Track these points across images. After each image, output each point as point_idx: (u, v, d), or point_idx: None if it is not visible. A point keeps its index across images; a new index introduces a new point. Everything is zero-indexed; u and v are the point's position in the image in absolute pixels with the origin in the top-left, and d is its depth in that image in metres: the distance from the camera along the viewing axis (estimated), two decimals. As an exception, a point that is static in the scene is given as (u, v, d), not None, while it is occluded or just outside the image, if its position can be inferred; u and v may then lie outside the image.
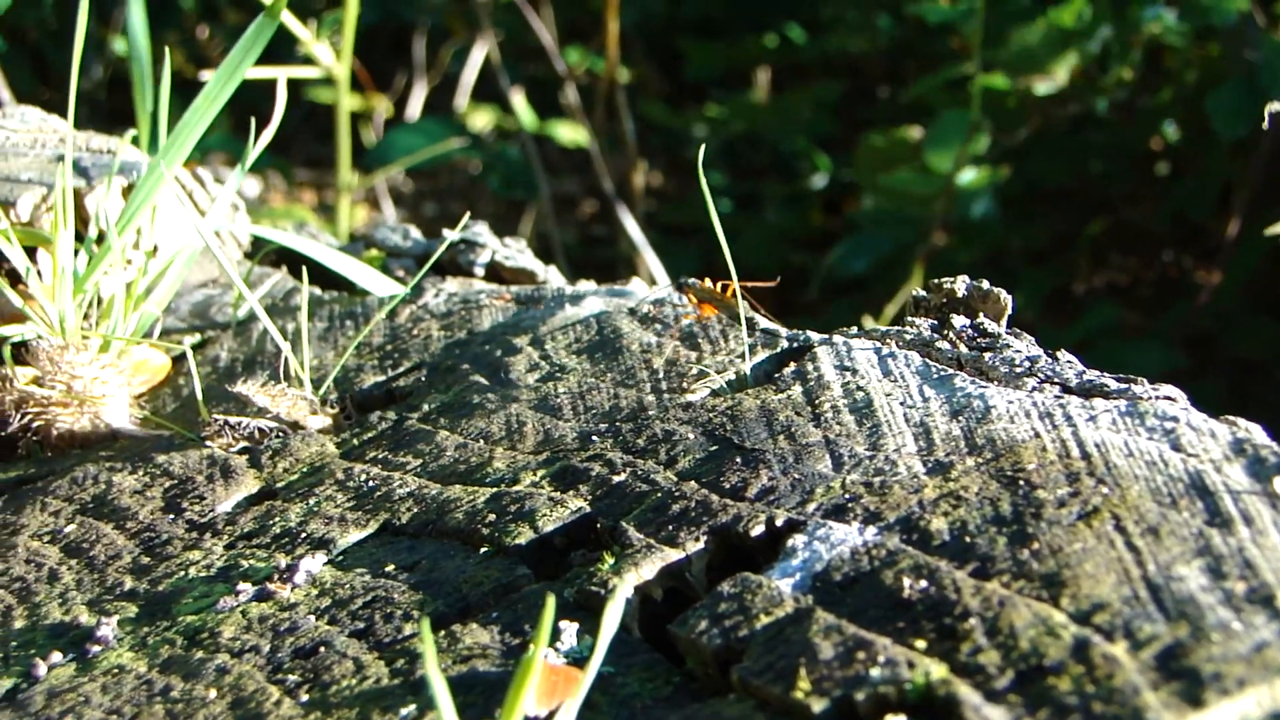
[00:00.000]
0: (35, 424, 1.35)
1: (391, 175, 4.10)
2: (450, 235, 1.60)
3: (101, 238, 1.44)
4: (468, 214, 1.53)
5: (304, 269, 1.47)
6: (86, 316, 1.42)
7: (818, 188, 4.42)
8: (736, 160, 4.57)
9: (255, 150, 1.43)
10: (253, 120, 1.43)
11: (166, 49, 1.39)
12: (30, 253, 1.45)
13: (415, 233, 1.74)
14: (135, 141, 1.72)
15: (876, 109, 4.62)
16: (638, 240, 3.36)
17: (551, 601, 0.76)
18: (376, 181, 3.83)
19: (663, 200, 4.74)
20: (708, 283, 1.33)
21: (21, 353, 1.39)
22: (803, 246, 4.28)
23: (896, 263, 3.60)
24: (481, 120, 4.57)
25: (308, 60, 2.71)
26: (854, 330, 1.23)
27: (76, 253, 1.41)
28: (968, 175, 3.35)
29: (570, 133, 4.38)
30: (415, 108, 4.87)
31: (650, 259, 3.21)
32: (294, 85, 1.44)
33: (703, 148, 1.31)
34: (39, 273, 1.38)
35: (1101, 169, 3.82)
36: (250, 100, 1.92)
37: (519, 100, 4.01)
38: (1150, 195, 3.94)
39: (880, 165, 3.44)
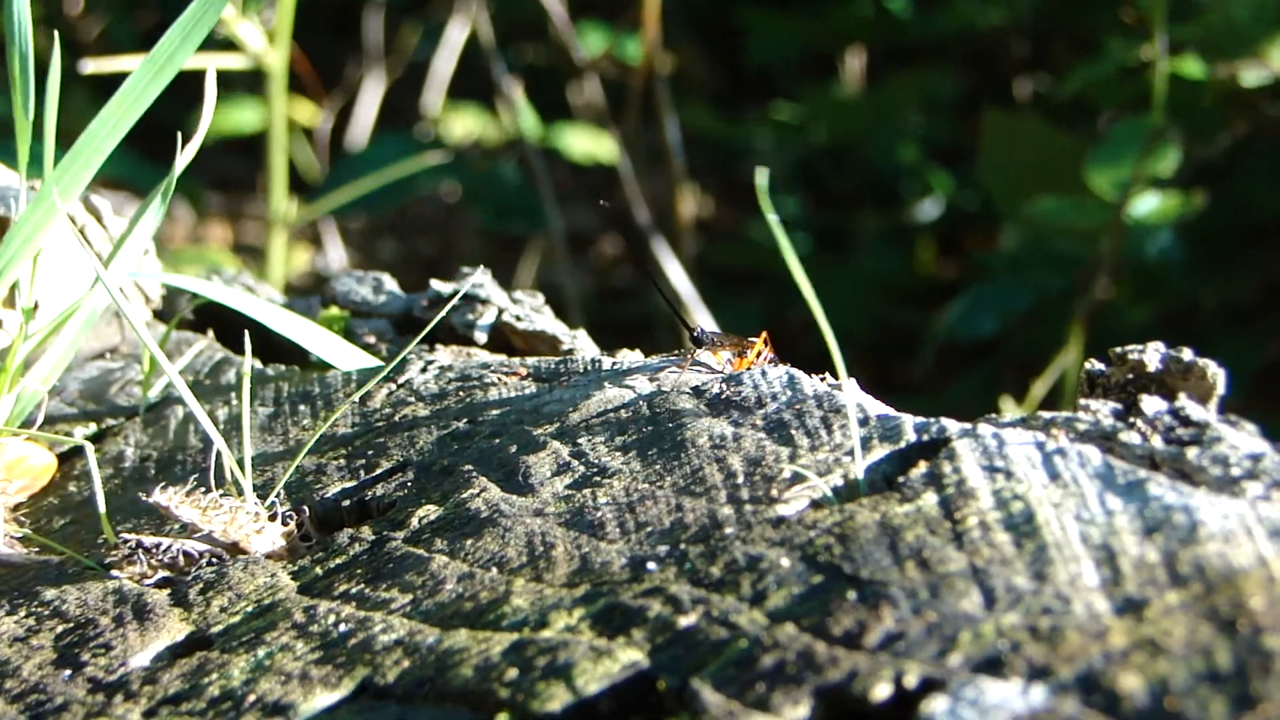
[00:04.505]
0: None
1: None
2: (442, 287, 1.61)
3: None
4: (481, 266, 1.55)
5: (246, 334, 1.45)
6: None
7: (930, 219, 4.39)
8: (817, 182, 4.54)
9: (176, 171, 1.43)
10: (178, 134, 1.43)
11: (56, 34, 1.40)
12: None
13: (390, 283, 1.75)
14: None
15: (1014, 108, 4.58)
16: (684, 291, 3.36)
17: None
18: (320, 214, 3.83)
19: (713, 237, 4.74)
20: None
21: None
22: (909, 301, 4.26)
23: (1040, 321, 3.57)
24: (462, 127, 4.59)
25: (229, 45, 2.71)
26: (1004, 418, 1.23)
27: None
28: (1146, 204, 3.31)
29: (587, 143, 4.39)
30: (369, 109, 4.89)
31: (702, 316, 3.22)
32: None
33: (780, 169, 1.33)
34: None
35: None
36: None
37: (518, 98, 4.02)
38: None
39: (1011, 156, 3.40)
